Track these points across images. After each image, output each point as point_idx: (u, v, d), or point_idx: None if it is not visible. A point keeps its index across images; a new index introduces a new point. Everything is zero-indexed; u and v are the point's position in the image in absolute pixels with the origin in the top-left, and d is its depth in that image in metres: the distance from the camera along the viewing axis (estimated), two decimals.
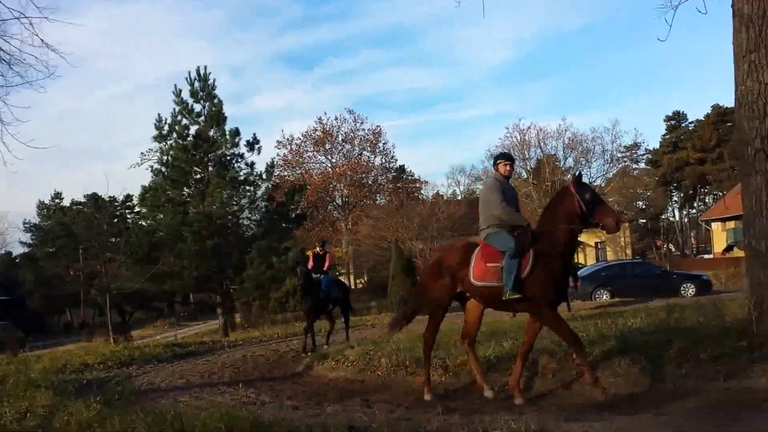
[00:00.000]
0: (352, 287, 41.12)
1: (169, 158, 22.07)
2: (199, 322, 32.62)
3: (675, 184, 60.39)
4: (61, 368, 11.02)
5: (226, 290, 22.73)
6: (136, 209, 36.27)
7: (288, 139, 45.71)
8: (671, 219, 64.60)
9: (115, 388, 8.24)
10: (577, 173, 6.17)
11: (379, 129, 47.01)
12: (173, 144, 22.06)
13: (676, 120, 60.90)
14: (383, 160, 47.78)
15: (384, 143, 47.28)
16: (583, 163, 42.14)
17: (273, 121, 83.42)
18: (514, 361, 6.31)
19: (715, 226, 38.73)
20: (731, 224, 35.71)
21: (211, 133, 22.28)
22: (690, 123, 60.22)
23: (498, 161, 6.44)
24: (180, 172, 22.00)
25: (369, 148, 46.75)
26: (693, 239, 59.04)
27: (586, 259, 39.54)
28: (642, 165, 60.91)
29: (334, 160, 46.03)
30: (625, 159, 53.93)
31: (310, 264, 12.24)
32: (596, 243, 42.84)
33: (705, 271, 23.62)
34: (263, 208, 23.92)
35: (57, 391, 7.58)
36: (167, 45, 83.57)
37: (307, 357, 10.29)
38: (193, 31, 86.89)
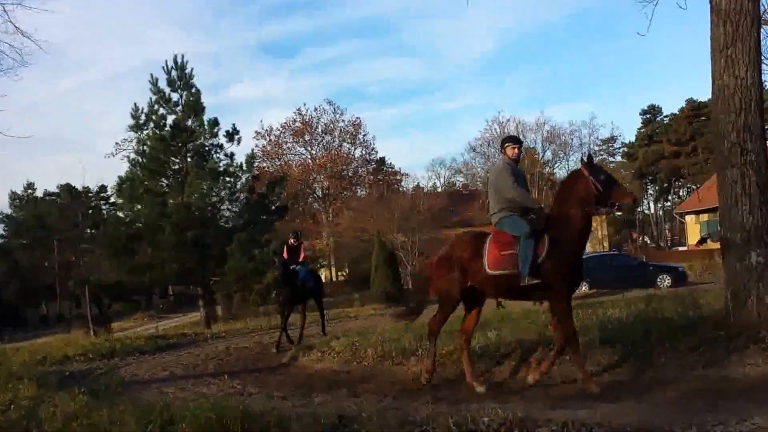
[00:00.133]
0: (334, 279, 41.12)
1: (146, 148, 21.80)
2: (180, 314, 32.37)
3: (650, 177, 61.23)
4: (42, 360, 10.94)
5: (207, 282, 22.57)
6: (112, 200, 35.83)
7: (267, 130, 45.50)
8: (647, 212, 65.56)
9: (100, 379, 8.18)
10: (586, 155, 5.98)
11: (359, 120, 47.11)
12: (150, 134, 21.79)
13: (651, 114, 61.69)
14: (363, 152, 47.87)
15: (364, 135, 47.37)
16: (561, 156, 42.66)
17: (250, 110, 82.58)
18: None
19: (689, 219, 39.28)
20: (705, 217, 36.20)
21: (189, 122, 22.06)
22: (665, 117, 61.13)
23: (506, 144, 6.30)
24: (158, 163, 21.75)
25: (349, 140, 46.75)
26: (668, 231, 59.98)
27: None
28: (618, 158, 61.99)
29: (313, 152, 45.91)
30: (602, 152, 54.72)
31: (285, 255, 12.04)
32: None
33: (680, 263, 24.10)
34: (244, 199, 23.77)
35: (40, 383, 7.50)
36: (142, 32, 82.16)
37: (291, 348, 10.28)
38: (168, 18, 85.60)
